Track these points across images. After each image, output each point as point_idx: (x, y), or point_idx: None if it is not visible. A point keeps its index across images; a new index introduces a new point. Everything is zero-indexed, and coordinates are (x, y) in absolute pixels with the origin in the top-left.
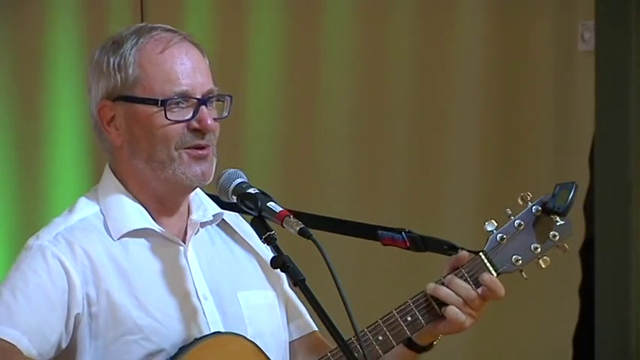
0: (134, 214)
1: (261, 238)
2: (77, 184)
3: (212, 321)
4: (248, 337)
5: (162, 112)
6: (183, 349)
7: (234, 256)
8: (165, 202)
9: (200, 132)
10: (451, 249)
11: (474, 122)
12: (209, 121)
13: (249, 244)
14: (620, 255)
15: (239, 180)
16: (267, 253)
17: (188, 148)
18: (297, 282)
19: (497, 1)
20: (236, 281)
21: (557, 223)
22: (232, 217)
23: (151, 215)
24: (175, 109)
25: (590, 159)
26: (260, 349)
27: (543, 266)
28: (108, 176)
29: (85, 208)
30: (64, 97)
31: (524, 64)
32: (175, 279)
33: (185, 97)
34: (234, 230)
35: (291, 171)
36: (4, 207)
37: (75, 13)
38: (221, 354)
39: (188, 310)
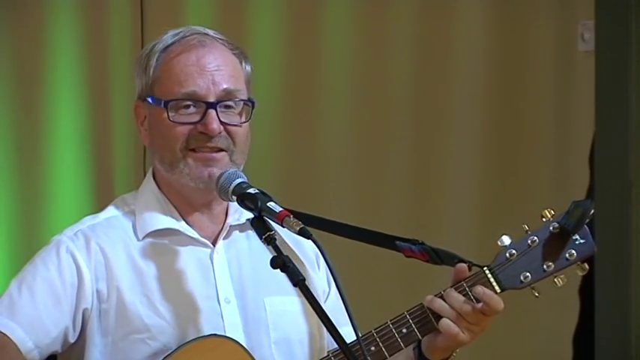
0: (162, 215)
1: (261, 238)
2: (77, 184)
3: (230, 324)
4: (242, 344)
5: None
6: (178, 348)
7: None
8: (192, 203)
9: (207, 135)
10: (460, 263)
11: (474, 122)
12: (214, 126)
13: (292, 251)
14: (620, 255)
15: (239, 180)
16: (312, 259)
17: (194, 150)
18: (297, 282)
19: (497, 1)
20: (265, 286)
21: (577, 242)
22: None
23: (182, 216)
24: (182, 111)
25: (590, 159)
26: (250, 355)
27: (559, 284)
28: (148, 176)
29: (119, 207)
30: (64, 97)
31: (524, 64)
32: (196, 280)
33: (193, 99)
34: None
35: (291, 172)
36: (4, 207)
37: (75, 13)
38: (208, 355)
39: (204, 312)
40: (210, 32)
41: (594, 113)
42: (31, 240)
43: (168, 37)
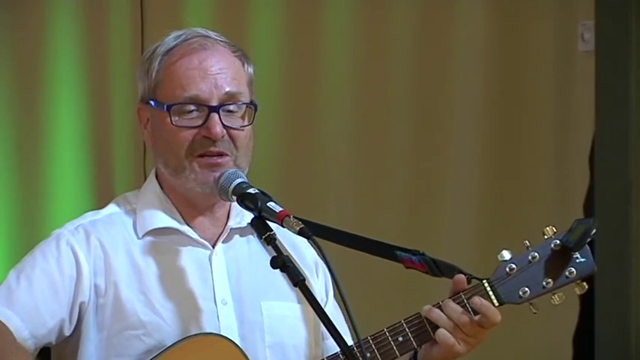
0: (162, 214)
1: (260, 239)
2: (77, 184)
3: (225, 326)
4: (237, 343)
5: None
6: (174, 344)
7: (269, 267)
8: (195, 205)
9: (210, 139)
10: (460, 274)
11: (474, 123)
12: (217, 129)
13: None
14: (620, 255)
15: (239, 180)
16: (311, 267)
17: (200, 155)
18: (297, 282)
19: (497, 1)
20: (263, 290)
21: (577, 260)
22: (281, 231)
23: (183, 218)
24: (184, 116)
25: (590, 159)
26: (245, 355)
27: (556, 302)
28: (151, 175)
29: (120, 205)
30: (64, 97)
31: (524, 64)
32: (193, 281)
33: (196, 102)
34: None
35: (290, 172)
36: (4, 207)
37: (75, 13)
38: (203, 351)
39: (200, 312)
40: (212, 34)
41: (594, 113)
42: (30, 240)
43: (170, 40)
